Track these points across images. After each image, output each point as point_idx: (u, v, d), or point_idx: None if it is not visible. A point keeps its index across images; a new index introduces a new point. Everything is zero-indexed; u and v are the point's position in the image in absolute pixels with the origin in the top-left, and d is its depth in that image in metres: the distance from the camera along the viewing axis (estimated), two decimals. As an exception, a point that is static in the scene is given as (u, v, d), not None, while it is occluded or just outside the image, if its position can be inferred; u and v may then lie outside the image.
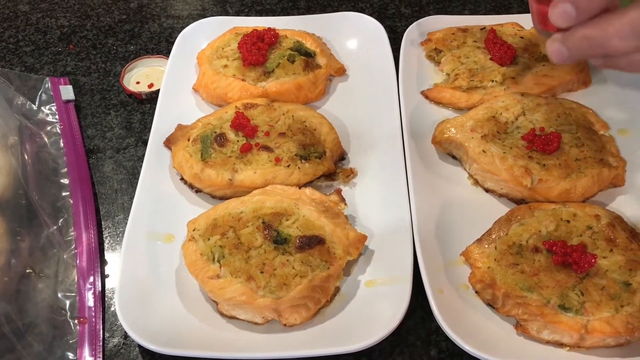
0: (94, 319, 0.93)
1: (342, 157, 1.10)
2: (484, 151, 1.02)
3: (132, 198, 1.03)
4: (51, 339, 0.90)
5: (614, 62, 0.69)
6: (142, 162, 1.08)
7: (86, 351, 0.90)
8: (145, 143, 1.13)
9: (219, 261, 0.90)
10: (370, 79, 1.22)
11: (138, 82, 1.29)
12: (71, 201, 1.06)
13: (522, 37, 1.22)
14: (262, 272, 0.88)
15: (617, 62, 0.68)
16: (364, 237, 0.95)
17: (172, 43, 1.29)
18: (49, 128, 1.17)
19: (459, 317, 0.87)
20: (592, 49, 0.66)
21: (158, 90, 1.21)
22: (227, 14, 1.45)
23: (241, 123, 1.07)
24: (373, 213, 1.02)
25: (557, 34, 0.68)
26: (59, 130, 1.17)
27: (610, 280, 0.87)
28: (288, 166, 1.03)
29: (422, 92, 1.18)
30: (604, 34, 0.65)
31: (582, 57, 0.69)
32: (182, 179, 1.07)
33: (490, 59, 1.18)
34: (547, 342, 0.85)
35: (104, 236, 1.05)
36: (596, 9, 0.64)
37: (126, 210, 1.07)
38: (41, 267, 0.97)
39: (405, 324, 0.90)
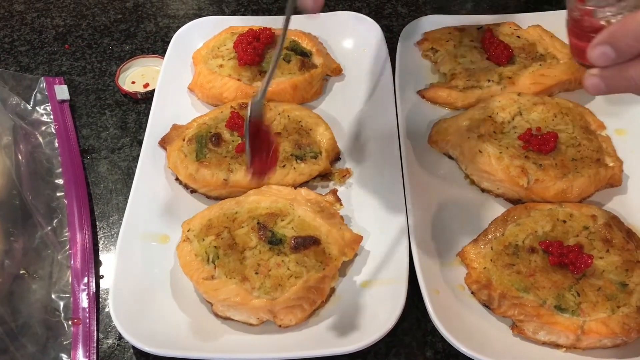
0: (88, 320, 0.92)
1: (337, 157, 1.10)
2: (480, 151, 1.01)
3: (127, 198, 1.02)
4: (45, 340, 0.90)
5: None
6: (137, 162, 1.07)
7: (80, 352, 0.89)
8: (140, 143, 1.12)
9: (213, 262, 0.90)
10: (367, 79, 1.22)
11: (133, 82, 1.28)
12: (65, 201, 1.06)
13: (518, 37, 1.22)
14: (256, 273, 0.88)
15: None
16: (360, 238, 0.95)
17: (168, 43, 1.28)
18: (43, 128, 1.16)
19: (455, 318, 0.87)
20: (630, 88, 0.68)
21: (153, 90, 1.20)
22: (223, 13, 1.44)
23: (236, 123, 1.07)
24: (369, 213, 1.01)
25: (595, 68, 0.70)
26: (53, 130, 1.16)
27: (607, 280, 0.86)
28: (284, 166, 1.02)
29: (419, 92, 1.18)
30: None
31: (619, 92, 0.70)
32: (177, 179, 1.06)
33: (487, 58, 1.18)
34: (543, 343, 0.85)
35: (99, 237, 1.04)
36: (635, 52, 0.66)
37: (121, 210, 1.07)
38: (35, 268, 0.97)
39: (400, 325, 0.90)
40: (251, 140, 0.86)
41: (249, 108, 0.86)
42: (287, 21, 0.84)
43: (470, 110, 1.09)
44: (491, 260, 0.90)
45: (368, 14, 1.31)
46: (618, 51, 0.65)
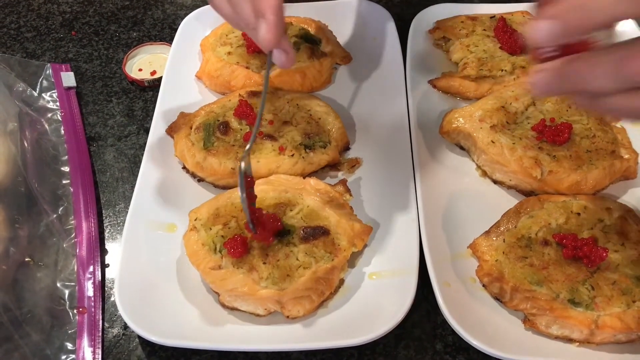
0: (93, 309, 0.91)
1: (347, 146, 1.08)
2: (492, 142, 0.99)
3: (133, 187, 1.01)
4: (50, 329, 0.89)
5: (602, 104, 0.61)
6: (144, 150, 1.06)
7: (85, 341, 0.88)
8: (147, 131, 1.11)
9: (220, 251, 0.88)
10: (377, 68, 1.20)
11: (140, 69, 1.27)
12: (71, 189, 1.05)
13: (532, 26, 1.19)
14: (264, 263, 0.86)
15: (605, 104, 0.61)
16: (369, 229, 0.93)
17: (175, 30, 1.27)
18: (49, 115, 1.15)
19: (466, 310, 0.85)
20: (578, 84, 0.60)
21: (160, 78, 1.19)
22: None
23: (245, 111, 1.05)
24: (378, 204, 1.00)
25: (545, 63, 0.62)
26: (59, 117, 1.15)
27: (622, 274, 0.84)
28: (292, 155, 1.01)
29: (430, 81, 1.16)
30: (588, 69, 0.59)
31: (565, 90, 0.62)
32: (184, 167, 1.05)
33: (500, 47, 1.16)
34: (556, 338, 0.83)
35: (105, 225, 1.03)
36: (584, 28, 0.57)
37: (127, 199, 1.06)
38: (40, 256, 0.96)
39: (410, 318, 0.88)
40: (248, 196, 0.85)
41: (241, 163, 0.84)
42: (267, 78, 0.92)
43: (483, 100, 1.07)
44: (503, 252, 0.88)
45: (379, 2, 1.29)
46: (566, 25, 0.57)
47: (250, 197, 0.87)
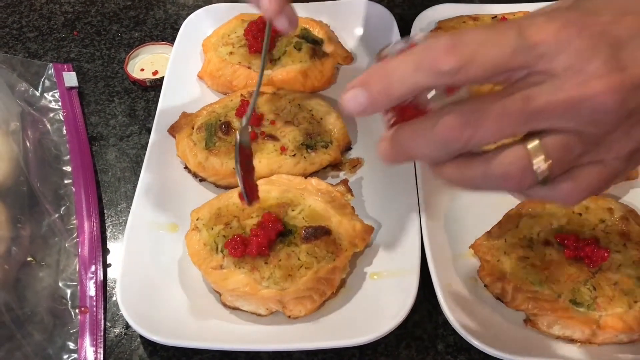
0: (95, 309, 0.92)
1: (348, 146, 1.08)
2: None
3: (135, 186, 1.01)
4: (52, 328, 0.89)
5: (439, 174, 0.58)
6: (146, 150, 1.06)
7: (87, 341, 0.88)
8: (149, 131, 1.11)
9: (222, 251, 0.88)
10: (379, 68, 1.20)
11: (142, 69, 1.27)
12: (73, 189, 1.05)
13: (534, 26, 1.19)
14: (266, 263, 0.86)
15: (441, 173, 0.57)
16: (371, 229, 0.93)
17: (177, 30, 1.27)
18: (51, 115, 1.15)
19: (467, 311, 0.85)
20: (406, 152, 0.57)
21: (162, 78, 1.19)
22: (233, 0, 1.42)
23: (246, 111, 1.05)
24: (380, 204, 1.00)
25: (386, 132, 0.59)
26: (61, 117, 1.15)
27: (624, 275, 0.84)
28: (294, 155, 1.01)
29: (432, 82, 1.16)
30: (412, 138, 0.56)
31: (403, 159, 0.58)
32: (185, 167, 1.05)
33: (502, 48, 1.15)
34: (558, 338, 0.83)
35: (107, 225, 1.03)
36: (389, 102, 0.54)
37: (129, 198, 1.06)
38: (42, 255, 0.96)
39: (411, 318, 0.88)
40: (242, 167, 0.84)
41: (237, 135, 0.84)
42: (265, 49, 0.89)
43: (484, 100, 1.07)
44: (505, 252, 0.88)
45: (380, 2, 1.29)
46: (370, 95, 0.53)
47: (247, 168, 0.85)
